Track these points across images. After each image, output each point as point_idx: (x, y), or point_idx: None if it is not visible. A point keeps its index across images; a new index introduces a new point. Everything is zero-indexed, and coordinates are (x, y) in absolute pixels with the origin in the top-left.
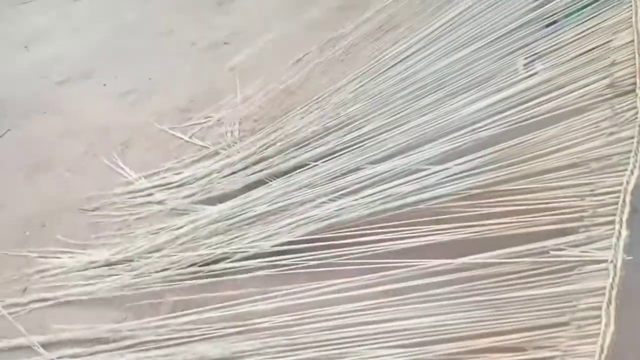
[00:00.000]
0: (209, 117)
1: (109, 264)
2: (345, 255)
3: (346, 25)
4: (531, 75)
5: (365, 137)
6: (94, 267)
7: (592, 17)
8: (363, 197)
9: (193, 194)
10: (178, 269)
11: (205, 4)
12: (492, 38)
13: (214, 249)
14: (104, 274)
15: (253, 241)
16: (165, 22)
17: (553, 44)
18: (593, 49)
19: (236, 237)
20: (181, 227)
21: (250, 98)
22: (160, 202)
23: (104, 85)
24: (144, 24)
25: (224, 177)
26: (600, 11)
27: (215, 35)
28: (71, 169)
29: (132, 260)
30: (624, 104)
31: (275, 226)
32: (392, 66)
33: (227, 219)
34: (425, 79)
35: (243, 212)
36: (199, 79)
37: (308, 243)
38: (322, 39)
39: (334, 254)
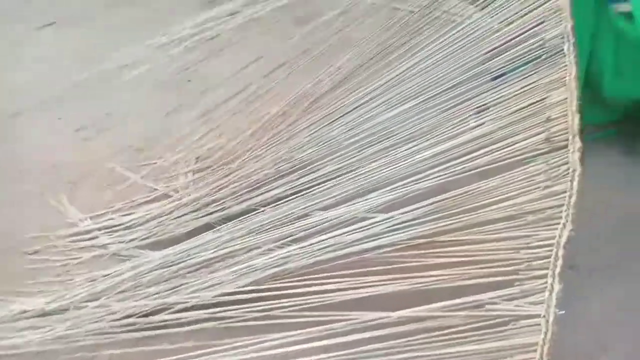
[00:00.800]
0: (164, 157)
1: (42, 314)
2: (286, 307)
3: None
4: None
5: (316, 182)
6: (26, 317)
7: (532, 74)
8: (309, 245)
9: (139, 238)
10: (114, 321)
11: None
12: (443, 89)
13: (154, 299)
14: (36, 324)
15: (194, 291)
16: (130, 54)
17: (497, 97)
18: (532, 104)
19: (177, 287)
20: (122, 274)
21: (209, 139)
22: (104, 246)
23: (59, 119)
24: (108, 55)
25: (173, 219)
26: (539, 68)
27: (183, 75)
28: (15, 207)
29: (67, 310)
30: (558, 159)
31: (219, 274)
32: (347, 113)
33: (170, 266)
34: (376, 126)
35: (187, 258)
36: (159, 116)
37: (250, 293)
38: (290, 85)
39: (275, 305)
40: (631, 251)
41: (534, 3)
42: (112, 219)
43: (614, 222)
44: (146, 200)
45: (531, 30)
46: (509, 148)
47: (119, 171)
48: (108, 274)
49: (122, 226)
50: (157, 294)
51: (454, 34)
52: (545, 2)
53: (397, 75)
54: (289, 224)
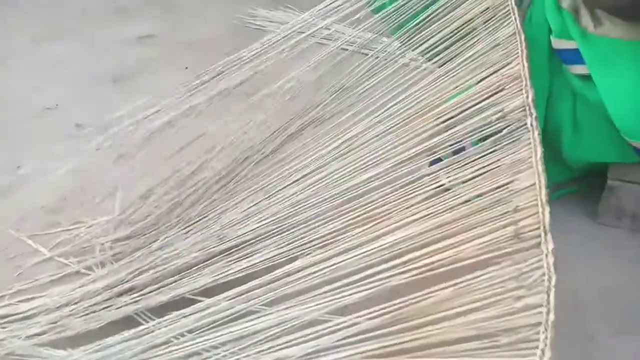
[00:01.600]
0: (80, 222)
1: None
2: None
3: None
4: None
5: (252, 270)
6: None
7: (494, 151)
8: None
9: (41, 333)
10: None
11: (97, 79)
12: (394, 163)
13: None
14: None
15: None
16: (47, 97)
17: (456, 178)
18: (496, 189)
19: None
20: None
21: (132, 204)
22: None
23: None
24: (21, 98)
25: (83, 309)
26: (501, 144)
27: (105, 117)
28: None
29: None
30: (530, 262)
31: None
32: (292, 183)
33: None
34: (325, 203)
35: None
36: (78, 172)
37: None
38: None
39: None
40: (613, 338)
41: (490, 67)
42: (9, 304)
43: (585, 297)
44: (53, 279)
45: (490, 99)
46: (473, 243)
47: (24, 240)
48: None
49: (20, 315)
50: None
51: (411, 94)
52: (502, 67)
53: (341, 144)
54: (218, 329)
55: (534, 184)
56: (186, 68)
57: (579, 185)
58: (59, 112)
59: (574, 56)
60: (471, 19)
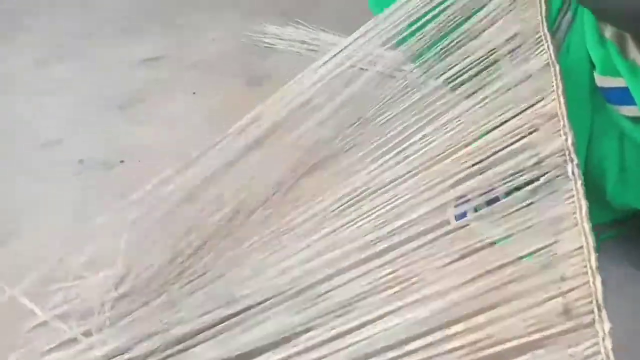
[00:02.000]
0: (82, 277)
1: None
2: None
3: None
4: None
5: (264, 342)
6: None
7: (531, 204)
8: None
9: None
10: None
11: (102, 105)
12: (419, 213)
13: None
14: None
15: None
16: (49, 125)
17: (492, 236)
18: (538, 250)
19: None
20: None
21: (137, 252)
22: None
23: None
24: (21, 126)
25: None
26: (539, 196)
27: (111, 150)
28: None
29: None
30: (584, 346)
31: None
32: (303, 236)
33: None
34: (336, 262)
35: None
36: (80, 215)
37: None
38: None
39: None
40: None
41: (520, 104)
42: None
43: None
44: (50, 347)
45: (522, 141)
46: (515, 319)
47: (19, 301)
48: None
49: None
50: None
51: (434, 130)
52: (534, 104)
53: (353, 190)
54: None
55: (581, 247)
56: (194, 93)
57: (617, 228)
58: (62, 144)
59: (623, 95)
60: (496, 46)
